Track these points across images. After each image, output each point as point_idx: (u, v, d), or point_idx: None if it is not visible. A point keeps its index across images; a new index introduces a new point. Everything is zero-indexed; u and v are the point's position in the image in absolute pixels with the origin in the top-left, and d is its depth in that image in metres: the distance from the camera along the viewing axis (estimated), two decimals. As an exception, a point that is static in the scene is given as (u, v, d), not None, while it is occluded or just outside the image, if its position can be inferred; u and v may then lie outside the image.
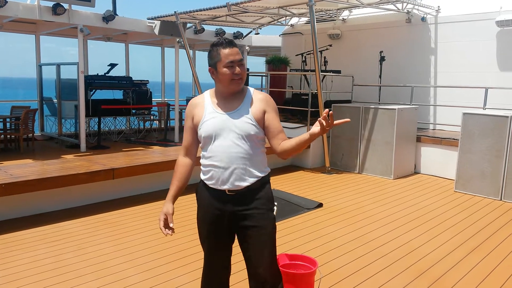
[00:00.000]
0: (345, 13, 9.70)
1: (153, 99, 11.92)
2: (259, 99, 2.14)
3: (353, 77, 8.63)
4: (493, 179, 5.75)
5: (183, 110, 13.16)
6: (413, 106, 7.35)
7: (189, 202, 5.20)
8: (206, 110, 2.14)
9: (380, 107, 7.00)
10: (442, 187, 6.33)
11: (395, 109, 6.72)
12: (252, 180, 2.09)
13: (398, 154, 6.83)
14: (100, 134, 9.65)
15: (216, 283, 2.30)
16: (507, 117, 5.60)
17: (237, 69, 2.05)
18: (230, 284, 2.36)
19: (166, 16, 8.74)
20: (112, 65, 10.78)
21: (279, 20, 10.47)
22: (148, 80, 11.30)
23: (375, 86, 8.64)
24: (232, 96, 2.13)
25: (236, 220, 2.13)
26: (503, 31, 7.51)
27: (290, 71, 10.05)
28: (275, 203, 2.22)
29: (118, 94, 11.20)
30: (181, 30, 8.73)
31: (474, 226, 4.60)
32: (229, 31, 12.09)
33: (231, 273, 2.36)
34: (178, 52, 10.48)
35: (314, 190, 5.91)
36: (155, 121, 12.23)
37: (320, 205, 5.19)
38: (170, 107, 11.34)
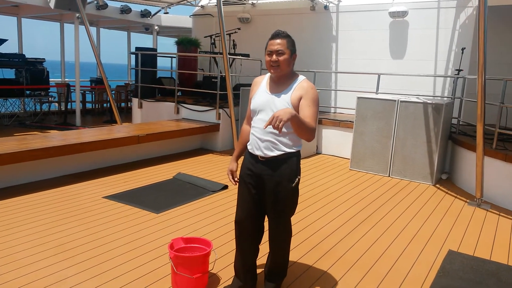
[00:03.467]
0: (254, -4, 9.78)
1: (51, 79, 10.97)
2: (301, 87, 2.49)
3: (261, 61, 8.78)
4: (382, 158, 6.31)
5: (86, 92, 12.33)
6: (316, 90, 7.70)
7: (83, 194, 4.93)
8: (260, 88, 2.60)
9: (285, 90, 7.21)
10: (339, 166, 6.80)
11: (299, 92, 6.99)
12: (278, 153, 2.49)
13: (302, 136, 7.14)
14: (-13, 117, 8.65)
15: (245, 228, 2.69)
16: (395, 101, 6.15)
17: (274, 57, 2.44)
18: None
19: (62, -12, 8.02)
20: (1, 41, 9.66)
21: (189, 0, 10.22)
22: (44, 58, 10.34)
23: (282, 70, 8.89)
24: (281, 80, 2.53)
25: (261, 181, 2.55)
26: (394, 22, 8.18)
27: (199, 54, 9.90)
28: (299, 177, 2.58)
29: (9, 74, 10.10)
30: (79, 5, 8.07)
31: (365, 200, 5.01)
32: (136, 8, 11.53)
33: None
34: (78, 29, 9.73)
35: (222, 173, 5.95)
36: (54, 103, 11.29)
37: (225, 187, 5.25)
38: (71, 88, 10.54)
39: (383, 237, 3.92)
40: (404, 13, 7.98)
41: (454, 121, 6.76)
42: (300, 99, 2.46)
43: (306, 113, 2.41)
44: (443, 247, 3.73)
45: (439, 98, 7.60)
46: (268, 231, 2.75)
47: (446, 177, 6.30)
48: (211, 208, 4.49)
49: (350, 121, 7.18)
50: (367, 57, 8.51)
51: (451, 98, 6.76)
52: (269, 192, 2.55)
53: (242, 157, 2.76)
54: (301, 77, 2.57)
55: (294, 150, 2.54)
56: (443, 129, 5.94)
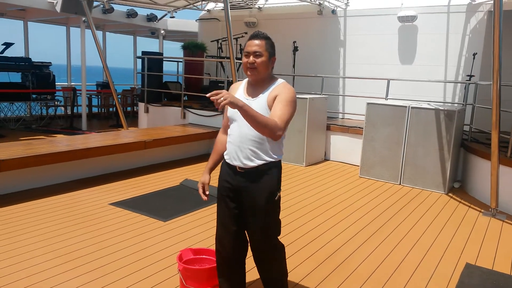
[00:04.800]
0: (261, 1, 9.72)
1: (57, 83, 10.97)
2: (277, 88, 2.35)
3: (268, 65, 8.69)
4: (393, 165, 6.18)
5: (93, 96, 12.32)
6: (324, 96, 7.62)
7: (89, 201, 4.84)
8: (237, 94, 2.44)
9: (293, 96, 7.12)
10: (349, 173, 6.67)
11: (307, 98, 6.89)
12: (259, 162, 2.32)
13: (310, 142, 7.05)
14: (-7, 121, 8.63)
15: (226, 247, 2.47)
16: (406, 107, 6.03)
17: (251, 58, 2.30)
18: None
19: (69, -8, 8.00)
20: (7, 45, 9.67)
21: (195, 4, 10.19)
22: (50, 62, 10.34)
23: (289, 76, 8.81)
24: (259, 84, 2.39)
25: (239, 194, 2.38)
26: (403, 26, 8.07)
27: (206, 58, 9.84)
28: (280, 188, 2.43)
29: (15, 77, 10.10)
30: (85, 8, 8.04)
31: (376, 210, 4.89)
32: (143, 12, 11.51)
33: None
34: (84, 33, 9.71)
35: (228, 179, 5.84)
36: (60, 107, 11.27)
37: (233, 194, 5.15)
38: (77, 92, 10.52)
39: (397, 248, 3.80)
40: (413, 18, 7.89)
41: (466, 128, 6.63)
42: (275, 99, 2.30)
43: (276, 111, 2.22)
44: (460, 259, 3.61)
45: (449, 104, 7.48)
46: (252, 253, 2.52)
47: (458, 185, 6.16)
48: (219, 216, 4.38)
49: (359, 127, 7.07)
50: (375, 62, 8.41)
51: (463, 104, 6.64)
52: (248, 206, 2.37)
53: (217, 168, 2.56)
54: (280, 80, 2.42)
55: (275, 160, 2.37)
56: (455, 136, 5.81)
